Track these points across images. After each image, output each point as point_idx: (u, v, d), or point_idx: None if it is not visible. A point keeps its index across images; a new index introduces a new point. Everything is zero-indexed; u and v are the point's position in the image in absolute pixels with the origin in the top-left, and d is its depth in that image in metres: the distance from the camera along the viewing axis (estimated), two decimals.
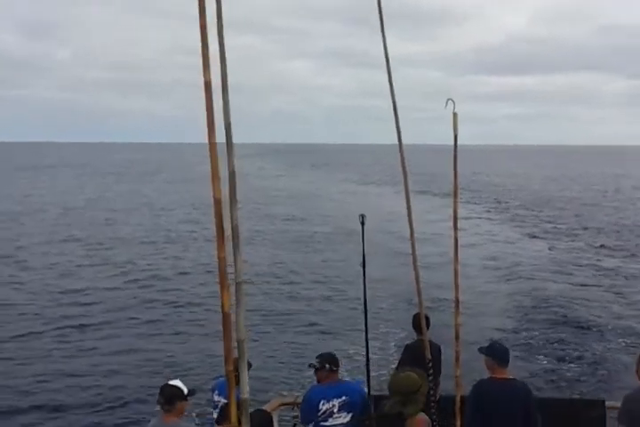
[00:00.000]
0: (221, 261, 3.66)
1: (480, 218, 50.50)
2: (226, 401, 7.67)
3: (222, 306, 3.60)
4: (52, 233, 41.90)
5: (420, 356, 7.70)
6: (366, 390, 8.11)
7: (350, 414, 7.43)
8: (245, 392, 3.56)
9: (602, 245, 37.72)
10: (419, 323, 8.64)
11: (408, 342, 9.40)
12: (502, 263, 32.24)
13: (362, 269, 5.22)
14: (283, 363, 17.78)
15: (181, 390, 7.02)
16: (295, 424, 9.07)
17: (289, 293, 26.28)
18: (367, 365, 8.28)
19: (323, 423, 7.51)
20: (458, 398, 7.24)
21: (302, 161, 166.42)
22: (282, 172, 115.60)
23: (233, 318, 3.61)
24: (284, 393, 12.86)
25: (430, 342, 8.46)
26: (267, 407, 8.87)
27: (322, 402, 7.49)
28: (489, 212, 55.06)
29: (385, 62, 6.59)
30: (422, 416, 6.44)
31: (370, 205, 52.94)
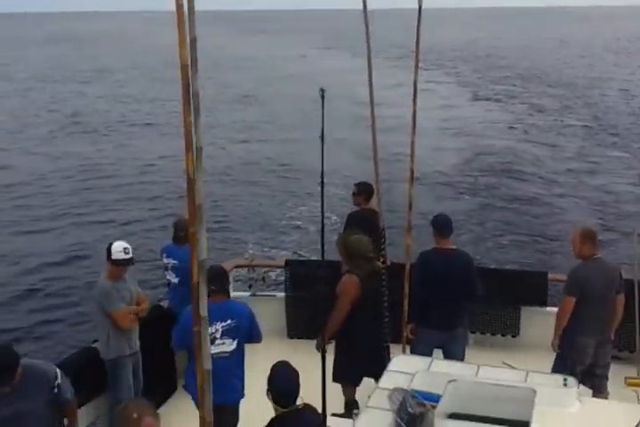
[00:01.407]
0: (187, 125, 3.71)
1: (439, 83, 50.34)
2: (175, 262, 8.26)
3: (187, 171, 3.69)
4: None
5: (364, 225, 7.93)
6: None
7: (236, 341, 6.50)
8: (204, 253, 3.71)
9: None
10: (363, 191, 8.95)
11: (349, 211, 9.53)
12: (456, 125, 32.33)
13: (320, 143, 5.30)
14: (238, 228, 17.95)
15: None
16: (251, 285, 9.39)
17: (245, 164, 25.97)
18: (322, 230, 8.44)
19: None
20: (407, 266, 7.54)
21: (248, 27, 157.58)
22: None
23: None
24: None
25: (371, 209, 8.75)
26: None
27: None
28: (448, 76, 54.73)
29: None
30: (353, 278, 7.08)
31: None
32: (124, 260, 7.06)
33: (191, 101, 3.75)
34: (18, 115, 42.28)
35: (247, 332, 6.54)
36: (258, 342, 6.72)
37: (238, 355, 6.52)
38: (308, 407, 4.81)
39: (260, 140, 32.54)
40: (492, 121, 37.16)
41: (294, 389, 4.78)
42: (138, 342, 7.43)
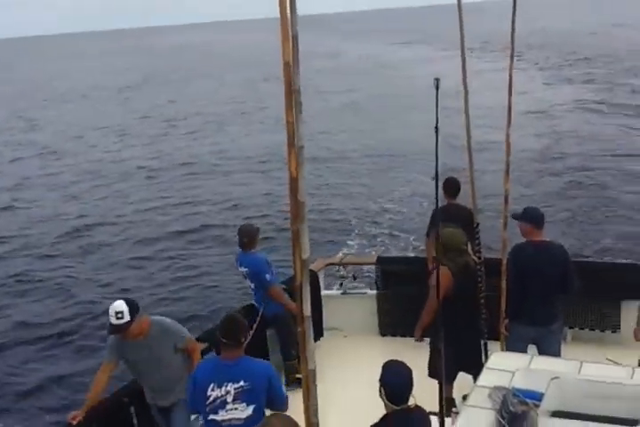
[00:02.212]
0: (290, 125, 3.69)
1: (521, 70, 48.15)
2: (246, 269, 8.15)
3: (290, 170, 3.67)
4: None
5: (450, 219, 7.83)
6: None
7: (252, 407, 5.48)
8: (307, 252, 3.68)
9: None
10: (450, 187, 8.79)
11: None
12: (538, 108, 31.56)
13: (435, 134, 5.17)
14: (329, 224, 18.05)
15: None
16: (342, 283, 9.34)
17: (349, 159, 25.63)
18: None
19: (212, 416, 5.53)
20: (504, 262, 7.37)
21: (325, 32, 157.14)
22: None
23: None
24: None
25: (461, 205, 8.61)
26: (312, 267, 9.19)
27: (212, 386, 5.50)
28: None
29: None
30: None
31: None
32: (112, 326, 6.12)
33: (293, 99, 3.75)
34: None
35: (266, 396, 5.49)
36: (281, 409, 5.47)
37: (254, 423, 5.28)
38: (418, 407, 4.80)
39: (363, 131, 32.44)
40: (573, 103, 37.04)
41: (408, 387, 4.73)
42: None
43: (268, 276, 7.95)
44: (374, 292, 9.50)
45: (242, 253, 8.19)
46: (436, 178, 5.27)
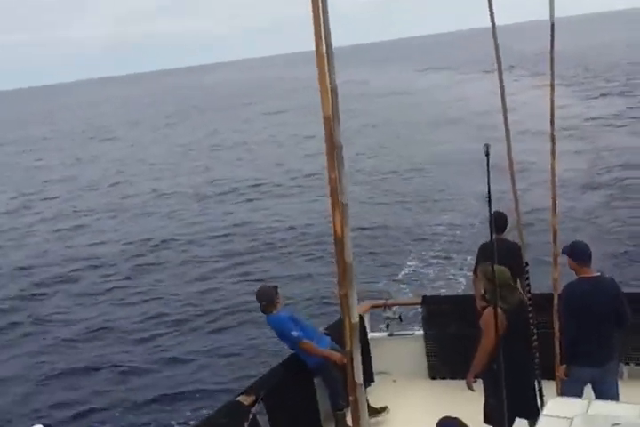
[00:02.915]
0: (332, 181, 3.52)
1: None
2: (273, 332, 8.18)
3: (334, 229, 3.49)
4: None
5: (499, 255, 7.59)
6: None
7: None
8: (355, 316, 3.50)
9: None
10: (497, 220, 8.54)
11: (482, 241, 9.17)
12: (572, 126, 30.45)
13: (488, 205, 5.08)
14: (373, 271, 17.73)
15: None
16: (388, 325, 9.14)
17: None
18: None
19: None
20: (555, 301, 7.12)
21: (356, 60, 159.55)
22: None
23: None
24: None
25: (508, 240, 8.34)
26: (357, 310, 9.06)
27: None
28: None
29: None
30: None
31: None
32: None
33: (335, 155, 3.59)
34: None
35: None
36: None
37: None
38: None
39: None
40: (607, 119, 36.89)
41: None
42: None
43: (294, 333, 7.87)
44: (421, 333, 9.31)
45: (266, 317, 8.17)
46: (491, 232, 5.00)
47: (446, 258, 18.50)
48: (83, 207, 32.19)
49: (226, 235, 24.16)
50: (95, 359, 15.65)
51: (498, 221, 8.56)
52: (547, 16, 6.51)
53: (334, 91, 3.66)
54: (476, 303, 8.46)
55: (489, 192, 4.76)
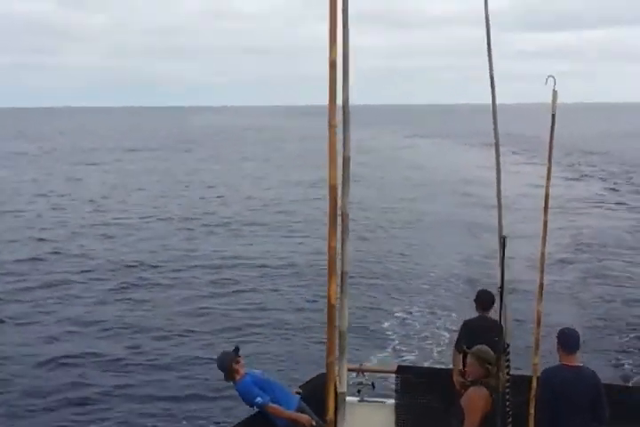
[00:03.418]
0: (331, 250, 3.53)
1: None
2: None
3: (328, 296, 3.49)
4: None
5: (479, 334, 7.56)
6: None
7: None
8: (343, 387, 3.48)
9: None
10: (484, 299, 8.54)
11: (465, 318, 9.17)
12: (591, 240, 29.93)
13: (499, 294, 5.10)
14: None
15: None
16: (359, 390, 9.04)
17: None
18: None
19: None
20: (534, 385, 7.05)
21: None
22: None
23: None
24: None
25: (492, 319, 8.26)
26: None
27: None
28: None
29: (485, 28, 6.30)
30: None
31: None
32: None
33: (337, 225, 3.60)
34: None
35: None
36: None
37: None
38: None
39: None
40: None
41: None
42: None
43: (258, 400, 7.76)
44: (393, 402, 9.15)
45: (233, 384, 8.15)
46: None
47: (432, 314, 18.61)
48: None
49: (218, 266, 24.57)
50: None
51: (484, 300, 8.57)
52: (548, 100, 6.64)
53: (347, 160, 3.70)
54: (452, 378, 8.41)
55: (502, 282, 4.73)
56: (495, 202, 6.22)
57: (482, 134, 79.11)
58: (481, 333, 7.71)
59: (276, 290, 21.60)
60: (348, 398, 9.10)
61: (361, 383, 8.98)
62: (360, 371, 9.03)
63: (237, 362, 7.90)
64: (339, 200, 3.68)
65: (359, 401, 8.99)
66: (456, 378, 8.20)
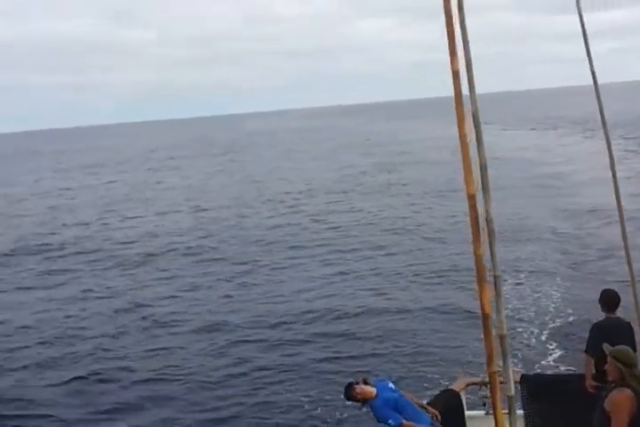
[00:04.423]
0: (478, 258, 3.59)
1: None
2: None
3: (481, 305, 3.54)
4: None
5: (612, 336, 7.45)
6: None
7: None
8: (512, 389, 3.52)
9: None
10: (609, 300, 8.24)
11: (595, 320, 8.64)
12: None
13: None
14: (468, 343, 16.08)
15: None
16: (485, 403, 8.98)
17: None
18: None
19: None
20: None
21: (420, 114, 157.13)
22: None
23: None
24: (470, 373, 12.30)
25: (621, 319, 8.17)
26: (454, 387, 8.94)
27: None
28: None
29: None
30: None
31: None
32: None
33: (481, 232, 3.64)
34: None
35: None
36: None
37: None
38: None
39: None
40: None
41: None
42: None
43: (391, 422, 7.72)
44: (521, 412, 8.76)
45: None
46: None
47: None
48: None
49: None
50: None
51: (610, 301, 8.38)
52: None
53: (484, 167, 3.74)
54: (583, 383, 8.14)
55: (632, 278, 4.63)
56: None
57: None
58: (613, 335, 7.59)
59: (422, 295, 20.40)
60: (474, 413, 9.08)
61: (485, 396, 8.90)
62: (483, 384, 8.97)
63: (359, 392, 7.86)
64: (479, 207, 3.72)
65: (486, 414, 8.86)
66: (589, 383, 8.02)
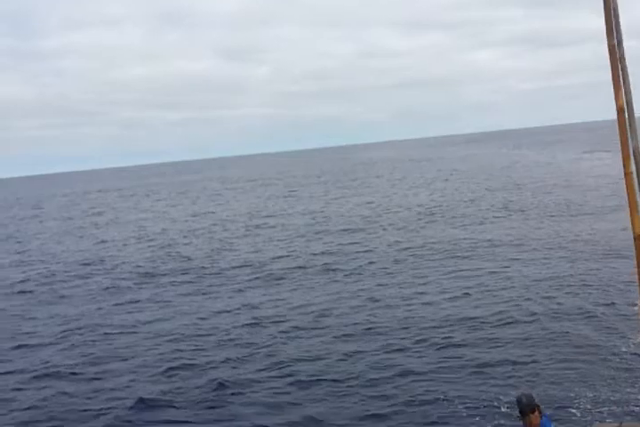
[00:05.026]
0: (628, 177, 4.06)
1: None
2: None
3: (633, 228, 3.80)
4: None
5: None
6: None
7: None
8: None
9: None
10: None
11: None
12: None
13: None
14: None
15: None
16: None
17: None
18: None
19: None
20: None
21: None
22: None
23: None
24: (608, 421, 11.66)
25: None
26: None
27: None
28: None
29: None
30: None
31: None
32: None
33: None
34: None
35: None
36: None
37: None
38: None
39: None
40: None
41: None
42: None
43: None
44: None
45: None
46: None
47: None
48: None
49: None
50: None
51: None
52: None
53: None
54: None
55: None
56: None
57: None
58: None
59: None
60: None
61: None
62: None
63: (534, 419, 7.59)
64: None
65: None
66: None
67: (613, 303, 19.49)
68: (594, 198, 44.20)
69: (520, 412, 7.50)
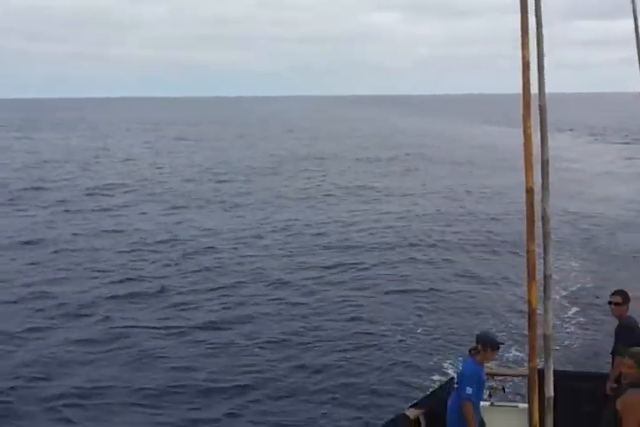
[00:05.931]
0: (530, 254, 3.59)
1: None
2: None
3: (529, 301, 3.54)
4: None
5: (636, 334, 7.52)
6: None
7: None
8: (550, 390, 3.52)
9: None
10: (627, 300, 8.35)
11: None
12: None
13: None
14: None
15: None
16: (490, 394, 8.91)
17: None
18: None
19: None
20: None
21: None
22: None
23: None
24: None
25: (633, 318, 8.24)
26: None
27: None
28: None
29: None
30: None
31: None
32: None
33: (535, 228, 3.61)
34: None
35: None
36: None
37: None
38: None
39: None
40: None
41: None
42: None
43: (469, 390, 7.72)
44: (526, 406, 8.49)
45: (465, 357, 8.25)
46: None
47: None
48: None
49: None
50: None
51: (628, 299, 8.37)
52: None
53: (546, 163, 3.69)
54: (599, 383, 8.19)
55: None
56: None
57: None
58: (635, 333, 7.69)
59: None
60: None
61: (491, 387, 8.82)
62: (490, 375, 8.86)
63: (483, 352, 7.92)
64: (536, 204, 3.70)
65: (490, 405, 8.82)
66: (609, 384, 7.97)
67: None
68: None
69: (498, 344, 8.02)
